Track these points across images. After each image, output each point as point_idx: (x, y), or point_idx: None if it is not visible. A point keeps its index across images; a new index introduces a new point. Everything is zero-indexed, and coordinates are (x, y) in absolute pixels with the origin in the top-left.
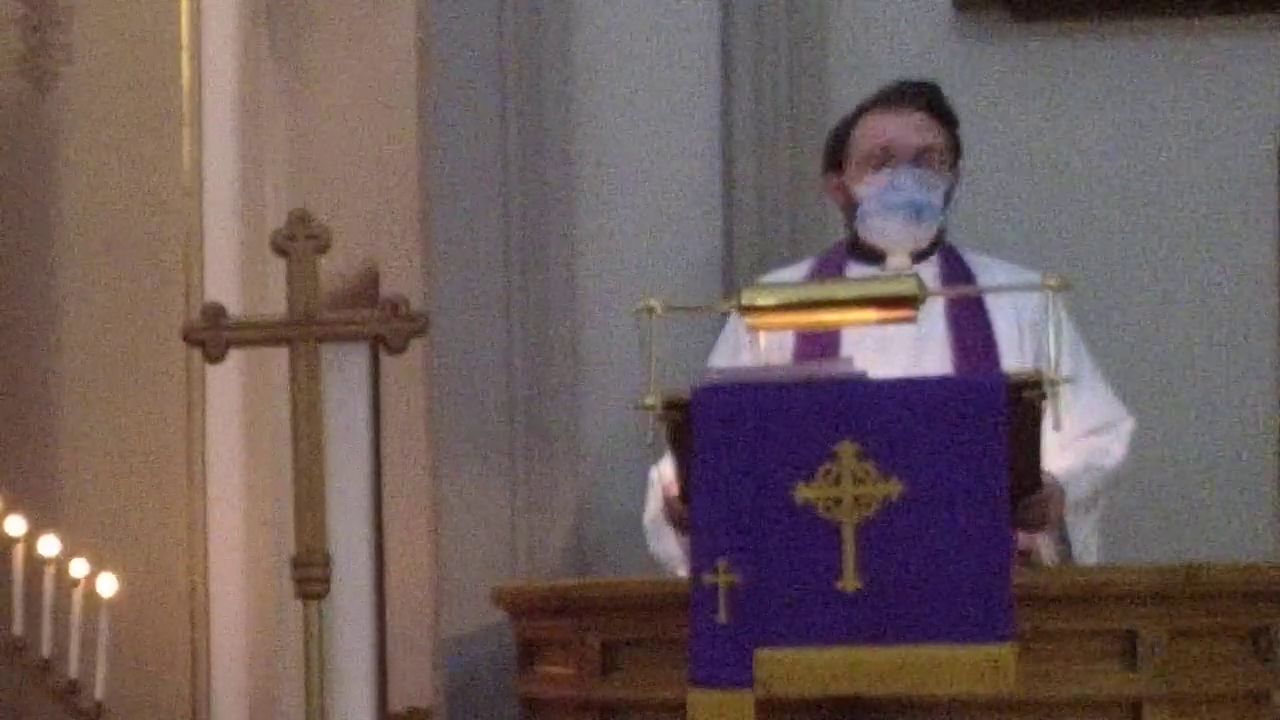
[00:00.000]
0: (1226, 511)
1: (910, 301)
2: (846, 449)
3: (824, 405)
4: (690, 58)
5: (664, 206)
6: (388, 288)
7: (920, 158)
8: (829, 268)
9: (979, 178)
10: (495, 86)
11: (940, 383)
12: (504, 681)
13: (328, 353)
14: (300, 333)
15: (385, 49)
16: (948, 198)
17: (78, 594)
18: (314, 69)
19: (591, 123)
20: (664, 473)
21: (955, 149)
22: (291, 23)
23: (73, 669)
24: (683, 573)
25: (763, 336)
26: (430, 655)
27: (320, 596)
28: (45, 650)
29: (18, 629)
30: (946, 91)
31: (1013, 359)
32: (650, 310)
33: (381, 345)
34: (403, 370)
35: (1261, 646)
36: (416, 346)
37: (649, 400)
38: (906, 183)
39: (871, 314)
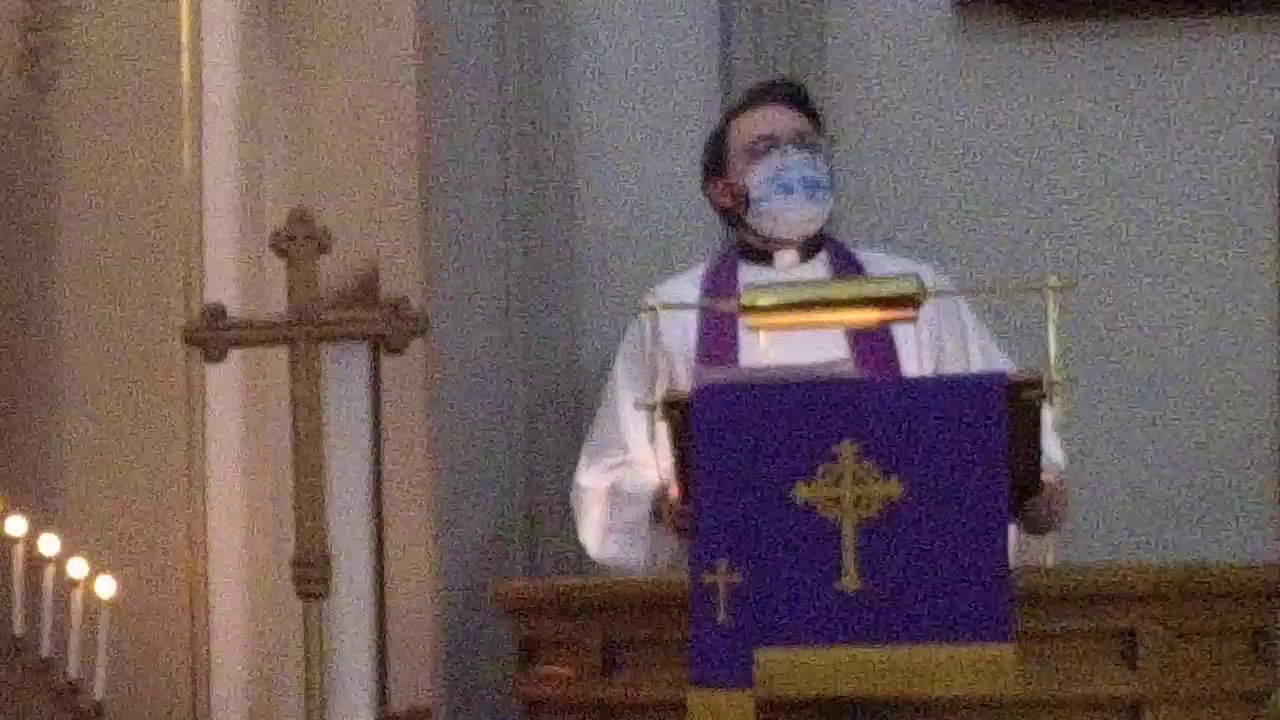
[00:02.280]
0: (1226, 511)
1: (911, 301)
2: (847, 449)
3: (824, 405)
4: (690, 58)
5: (664, 206)
6: (388, 288)
7: (801, 140)
8: (721, 273)
9: (979, 177)
10: (495, 86)
11: (940, 383)
12: (504, 681)
13: (328, 353)
14: (300, 333)
15: (385, 49)
16: (831, 179)
17: (78, 594)
18: (314, 69)
19: (592, 123)
20: (590, 483)
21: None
22: (291, 22)
23: (73, 669)
24: (636, 573)
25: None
26: (430, 655)
27: (320, 596)
28: (45, 650)
29: (18, 629)
30: (947, 91)
31: (911, 361)
32: (651, 310)
33: (381, 345)
34: (403, 370)
35: (1261, 646)
36: (416, 346)
37: (649, 400)
38: (797, 161)
39: (873, 314)
